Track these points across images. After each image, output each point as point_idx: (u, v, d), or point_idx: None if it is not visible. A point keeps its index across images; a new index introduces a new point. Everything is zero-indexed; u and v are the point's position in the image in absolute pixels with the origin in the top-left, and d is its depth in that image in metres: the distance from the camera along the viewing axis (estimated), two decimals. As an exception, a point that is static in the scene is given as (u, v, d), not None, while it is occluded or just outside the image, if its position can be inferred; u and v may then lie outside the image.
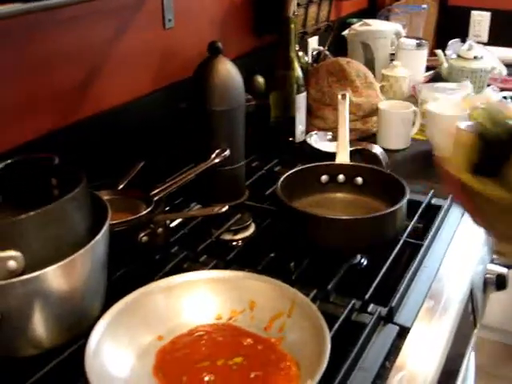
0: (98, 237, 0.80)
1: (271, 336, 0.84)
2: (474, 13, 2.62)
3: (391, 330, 0.90)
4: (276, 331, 0.85)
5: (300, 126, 1.50)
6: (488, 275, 1.16)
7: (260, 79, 1.49)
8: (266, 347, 0.82)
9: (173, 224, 1.12)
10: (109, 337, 0.80)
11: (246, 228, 1.19)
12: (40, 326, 0.78)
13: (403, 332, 0.91)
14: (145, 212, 1.01)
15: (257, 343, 0.83)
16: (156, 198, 1.06)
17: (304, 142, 1.48)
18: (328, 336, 0.76)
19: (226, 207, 1.00)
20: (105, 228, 0.82)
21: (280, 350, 0.82)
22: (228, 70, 1.11)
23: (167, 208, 1.15)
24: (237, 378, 0.78)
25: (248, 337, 0.84)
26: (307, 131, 1.53)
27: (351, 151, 1.30)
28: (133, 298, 0.86)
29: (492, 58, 2.21)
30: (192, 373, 0.78)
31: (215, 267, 1.02)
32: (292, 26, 1.43)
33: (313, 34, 1.87)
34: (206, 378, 0.77)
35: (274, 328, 0.85)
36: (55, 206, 0.78)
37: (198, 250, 1.07)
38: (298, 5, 1.61)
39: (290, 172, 1.17)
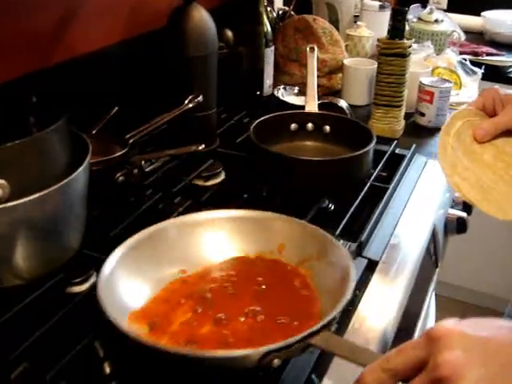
0: (81, 169, 0.82)
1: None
2: (433, -21, 2.67)
3: (361, 263, 0.95)
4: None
5: (268, 80, 1.52)
6: (449, 219, 1.22)
7: (229, 33, 1.51)
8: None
9: (147, 169, 1.15)
10: (125, 265, 0.80)
11: (217, 175, 1.21)
12: (22, 255, 0.80)
13: (372, 265, 0.96)
14: (121, 152, 1.03)
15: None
16: (131, 141, 1.08)
17: (271, 95, 1.52)
18: (353, 278, 0.75)
19: (203, 146, 1.03)
20: (86, 161, 0.84)
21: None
22: (202, 17, 1.13)
23: (140, 154, 1.17)
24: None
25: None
26: (274, 86, 1.56)
27: (318, 104, 1.33)
28: (154, 231, 0.85)
29: (451, 22, 2.27)
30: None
31: (190, 208, 1.04)
32: (261, -20, 1.45)
33: (279, -7, 1.89)
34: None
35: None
36: (38, 136, 0.80)
37: (172, 191, 1.10)
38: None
39: (262, 119, 1.20)
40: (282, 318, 0.76)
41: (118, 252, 0.81)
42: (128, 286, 0.79)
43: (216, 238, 0.89)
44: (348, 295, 0.72)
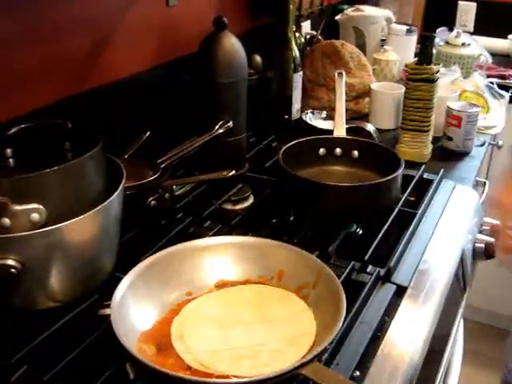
0: (116, 194, 0.84)
1: None
2: (460, 3, 2.67)
3: (389, 289, 0.96)
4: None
5: (296, 105, 1.54)
6: (477, 244, 1.22)
7: (258, 58, 1.53)
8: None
9: (178, 192, 1.17)
10: (135, 290, 0.84)
11: (246, 199, 1.23)
12: (57, 278, 0.82)
13: (400, 291, 0.96)
14: (153, 177, 1.05)
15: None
16: (163, 166, 1.10)
17: (299, 119, 1.53)
18: (344, 309, 0.77)
19: (233, 172, 1.04)
20: (121, 186, 0.86)
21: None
22: (233, 44, 1.15)
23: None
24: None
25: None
26: (302, 110, 1.58)
27: (346, 129, 1.35)
28: (162, 256, 0.90)
29: (478, 46, 2.27)
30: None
31: (220, 232, 1.06)
32: (291, 6, 1.47)
33: (307, 18, 1.91)
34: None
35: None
36: (75, 163, 0.82)
37: (202, 215, 1.11)
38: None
39: (290, 144, 1.22)
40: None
41: (129, 277, 0.84)
42: (138, 308, 0.83)
43: (220, 262, 0.92)
44: (338, 326, 0.74)
